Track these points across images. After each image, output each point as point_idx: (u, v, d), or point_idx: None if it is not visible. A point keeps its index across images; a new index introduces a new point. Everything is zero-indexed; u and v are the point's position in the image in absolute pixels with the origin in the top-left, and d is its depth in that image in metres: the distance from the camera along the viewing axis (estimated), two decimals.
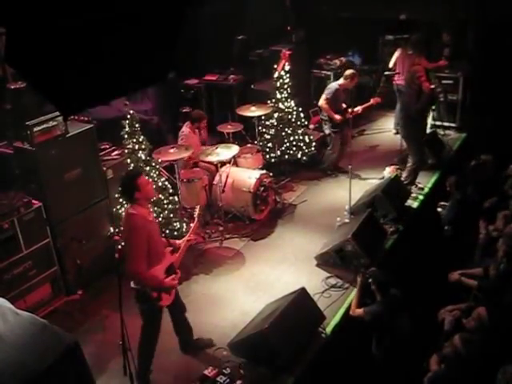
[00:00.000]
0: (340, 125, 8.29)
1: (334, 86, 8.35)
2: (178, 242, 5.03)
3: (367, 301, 5.42)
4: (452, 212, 7.05)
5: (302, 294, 5.46)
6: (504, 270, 5.25)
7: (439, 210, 7.34)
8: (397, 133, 9.66)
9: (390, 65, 9.65)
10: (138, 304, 4.70)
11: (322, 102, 8.30)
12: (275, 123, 8.37)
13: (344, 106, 8.39)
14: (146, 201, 4.68)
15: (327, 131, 8.53)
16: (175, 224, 6.55)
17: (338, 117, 8.21)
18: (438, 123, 9.92)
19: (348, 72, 8.36)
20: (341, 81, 8.35)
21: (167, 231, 6.46)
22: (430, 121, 9.91)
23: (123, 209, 6.33)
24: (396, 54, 9.58)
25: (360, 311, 5.32)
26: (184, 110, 8.65)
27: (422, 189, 8.06)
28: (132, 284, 4.61)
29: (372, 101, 8.42)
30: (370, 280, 5.36)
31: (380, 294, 5.24)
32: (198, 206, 5.52)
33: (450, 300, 5.56)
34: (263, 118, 8.42)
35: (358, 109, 8.18)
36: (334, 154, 8.56)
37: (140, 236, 4.41)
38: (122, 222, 4.82)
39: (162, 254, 4.71)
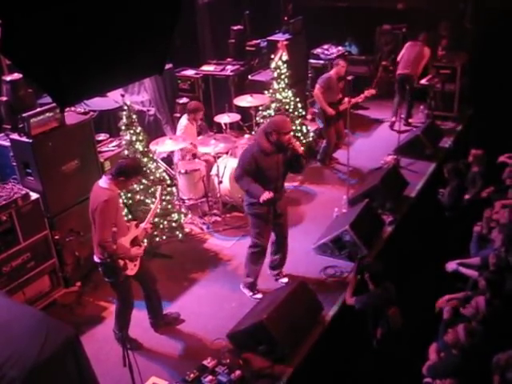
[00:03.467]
0: (333, 118, 8.29)
1: (326, 74, 8.47)
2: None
3: (363, 290, 5.44)
4: (451, 198, 7.11)
5: (300, 284, 5.48)
6: (503, 259, 5.26)
7: (439, 195, 7.37)
8: (392, 126, 9.74)
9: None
10: (106, 277, 4.91)
11: (316, 90, 8.33)
12: (273, 114, 8.33)
13: (340, 96, 8.39)
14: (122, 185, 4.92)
15: (321, 125, 8.56)
16: (173, 215, 6.55)
17: (330, 110, 8.20)
18: (435, 113, 9.90)
19: (335, 60, 8.71)
20: (332, 70, 8.50)
21: (165, 222, 6.46)
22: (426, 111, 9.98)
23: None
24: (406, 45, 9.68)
25: (352, 300, 5.36)
26: (181, 101, 8.62)
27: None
28: (97, 258, 4.80)
29: (366, 93, 8.38)
30: (365, 270, 5.39)
31: (372, 285, 5.26)
32: (160, 187, 5.96)
33: (448, 289, 5.58)
34: (261, 108, 8.39)
35: (353, 101, 8.20)
36: (329, 147, 8.57)
37: (110, 208, 4.65)
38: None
39: (127, 227, 4.94)
